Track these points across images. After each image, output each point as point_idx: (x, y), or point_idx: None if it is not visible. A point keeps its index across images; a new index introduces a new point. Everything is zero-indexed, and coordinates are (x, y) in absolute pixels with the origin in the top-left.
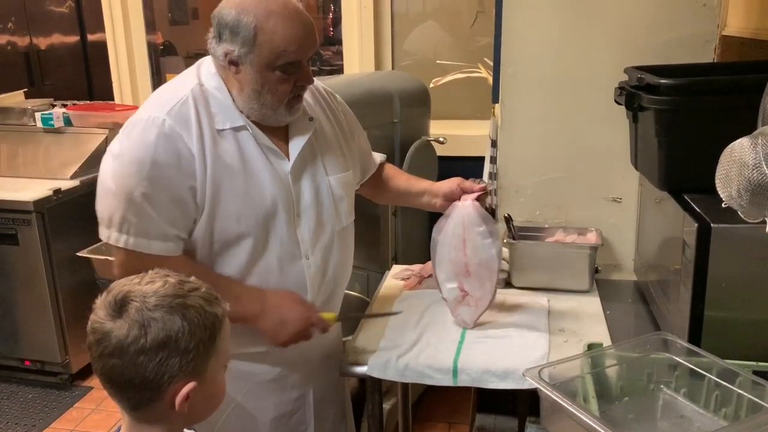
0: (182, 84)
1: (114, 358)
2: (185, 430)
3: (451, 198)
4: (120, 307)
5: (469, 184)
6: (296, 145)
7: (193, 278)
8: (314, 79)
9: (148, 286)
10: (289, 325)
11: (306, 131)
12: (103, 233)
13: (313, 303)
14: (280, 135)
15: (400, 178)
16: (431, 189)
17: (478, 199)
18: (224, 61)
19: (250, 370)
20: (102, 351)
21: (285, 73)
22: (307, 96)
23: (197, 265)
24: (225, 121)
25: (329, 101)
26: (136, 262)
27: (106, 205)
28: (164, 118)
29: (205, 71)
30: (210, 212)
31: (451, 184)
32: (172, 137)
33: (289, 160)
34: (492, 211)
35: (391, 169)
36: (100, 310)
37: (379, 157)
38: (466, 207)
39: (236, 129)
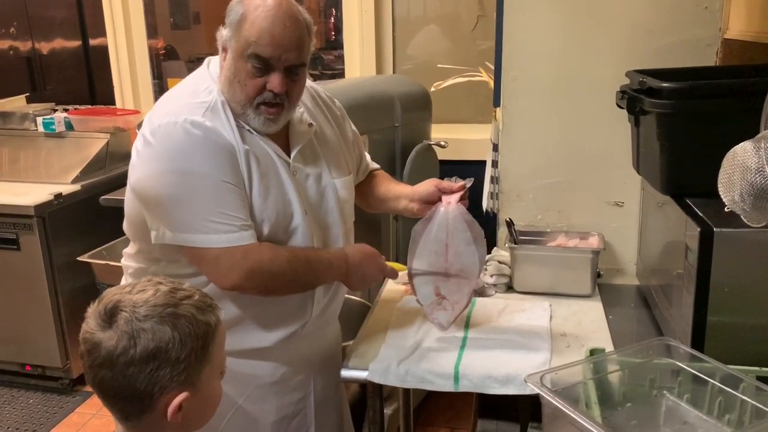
0: (205, 87)
1: (104, 369)
2: None
3: (429, 201)
4: (110, 317)
5: (447, 184)
6: (295, 149)
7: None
8: (314, 84)
9: (139, 295)
10: (369, 279)
11: (305, 137)
12: (188, 239)
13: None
14: (282, 143)
15: (382, 184)
16: (408, 193)
17: (460, 199)
18: (220, 45)
19: (253, 373)
20: (93, 362)
21: (254, 68)
22: (307, 101)
23: (278, 248)
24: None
25: (330, 105)
26: (227, 259)
27: (182, 215)
28: (202, 120)
29: (214, 73)
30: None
31: (428, 186)
32: (217, 132)
33: (290, 165)
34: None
35: (379, 176)
36: (90, 320)
37: (372, 165)
38: (451, 211)
39: (249, 131)
